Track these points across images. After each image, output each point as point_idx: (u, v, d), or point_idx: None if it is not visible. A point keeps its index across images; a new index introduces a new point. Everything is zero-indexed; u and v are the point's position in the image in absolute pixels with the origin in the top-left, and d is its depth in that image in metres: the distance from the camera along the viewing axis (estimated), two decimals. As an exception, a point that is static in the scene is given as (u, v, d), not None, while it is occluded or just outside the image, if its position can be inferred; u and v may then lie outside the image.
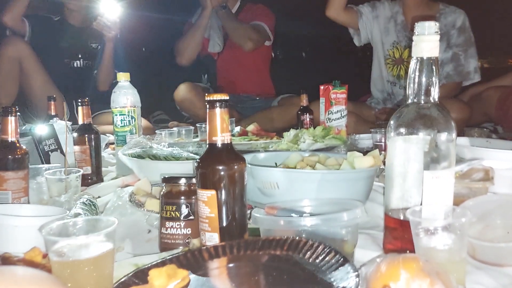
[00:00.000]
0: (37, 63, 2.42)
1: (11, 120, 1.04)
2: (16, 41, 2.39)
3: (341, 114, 1.62)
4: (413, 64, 0.75)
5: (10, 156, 1.04)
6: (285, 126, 2.14)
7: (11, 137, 1.04)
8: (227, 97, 0.74)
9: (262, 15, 2.74)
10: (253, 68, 2.79)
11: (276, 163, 1.10)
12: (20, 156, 1.05)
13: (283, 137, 1.54)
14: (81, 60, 2.60)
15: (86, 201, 0.99)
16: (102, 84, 2.62)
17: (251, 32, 2.61)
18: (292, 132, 1.50)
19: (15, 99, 2.40)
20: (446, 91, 2.23)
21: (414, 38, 0.74)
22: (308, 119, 1.91)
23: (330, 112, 1.62)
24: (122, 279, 0.61)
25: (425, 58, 0.73)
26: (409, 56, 2.36)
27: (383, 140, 1.50)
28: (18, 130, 1.07)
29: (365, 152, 1.06)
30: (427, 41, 0.72)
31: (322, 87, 1.67)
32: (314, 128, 1.54)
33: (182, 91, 2.58)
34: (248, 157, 0.98)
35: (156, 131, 1.89)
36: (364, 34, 2.41)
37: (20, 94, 2.45)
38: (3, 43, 2.37)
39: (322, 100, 1.67)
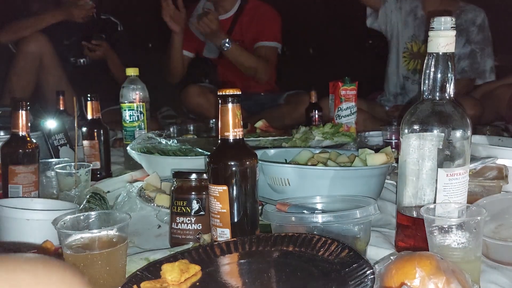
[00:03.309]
0: (56, 59, 2.41)
1: (22, 114, 1.04)
2: (38, 37, 2.36)
3: (350, 111, 1.60)
4: (428, 60, 0.73)
5: (21, 150, 1.04)
6: (294, 123, 2.11)
7: (22, 131, 1.05)
8: (239, 92, 0.73)
9: (270, 31, 2.49)
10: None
11: (286, 160, 1.10)
12: (31, 150, 1.05)
13: (291, 134, 1.53)
14: (87, 57, 2.57)
15: (96, 195, 0.99)
16: (118, 78, 2.54)
17: (261, 65, 2.40)
18: (302, 128, 1.49)
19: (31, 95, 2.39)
20: (459, 86, 2.21)
21: (430, 33, 0.73)
22: (317, 116, 1.90)
23: (339, 109, 1.61)
24: (135, 273, 0.60)
25: (441, 53, 0.72)
26: (426, 50, 2.32)
27: (393, 138, 1.49)
28: (29, 124, 1.07)
29: (375, 149, 1.05)
30: (443, 36, 0.71)
31: (331, 84, 1.66)
32: (323, 125, 1.53)
33: (190, 94, 2.48)
34: (257, 153, 0.98)
35: (164, 127, 1.88)
36: (381, 20, 2.37)
37: (35, 89, 2.44)
38: (26, 39, 2.34)
39: (331, 97, 1.66)
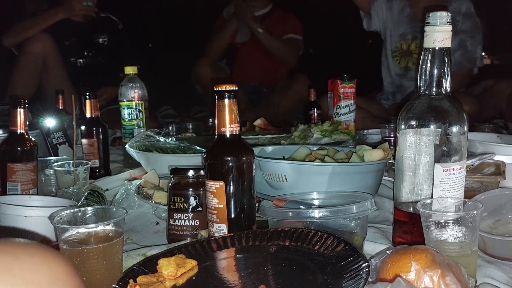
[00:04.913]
0: (59, 59, 2.42)
1: (20, 112, 1.04)
2: (43, 37, 2.36)
3: (349, 108, 1.60)
4: (424, 55, 0.73)
5: (19, 148, 1.04)
6: (291, 105, 2.20)
7: (20, 129, 1.05)
8: (235, 88, 0.73)
9: (295, 27, 2.79)
10: (272, 63, 2.81)
11: (284, 157, 1.10)
12: (29, 148, 1.06)
13: (290, 132, 1.53)
14: (87, 57, 2.57)
15: (94, 192, 0.99)
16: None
17: (288, 50, 2.71)
18: (300, 126, 1.49)
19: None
20: (458, 79, 2.17)
21: (426, 28, 0.73)
22: (316, 114, 1.90)
23: (338, 106, 1.61)
24: (131, 268, 0.61)
25: (437, 48, 0.72)
26: (417, 48, 2.31)
27: (392, 135, 1.49)
28: (27, 122, 1.07)
29: (374, 146, 1.05)
30: (439, 31, 0.71)
31: (330, 82, 1.66)
32: (322, 123, 1.53)
33: (202, 64, 2.69)
34: (255, 151, 0.98)
35: (163, 126, 1.89)
36: (375, 21, 2.37)
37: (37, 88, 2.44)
38: (30, 38, 2.34)
39: (330, 94, 1.66)
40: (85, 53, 2.55)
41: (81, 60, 2.55)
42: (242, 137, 0.77)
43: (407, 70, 2.33)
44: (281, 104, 2.43)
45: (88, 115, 1.37)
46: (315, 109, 1.92)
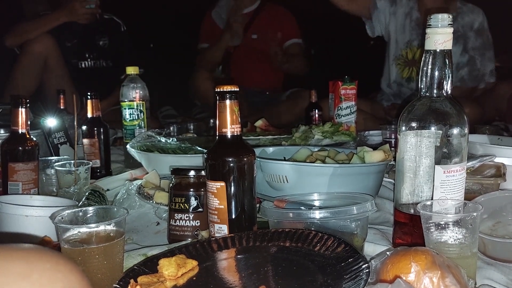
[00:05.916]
0: (61, 60, 2.42)
1: (22, 112, 1.05)
2: (44, 38, 2.37)
3: (350, 110, 1.61)
4: (425, 57, 0.74)
5: (20, 148, 1.05)
6: (293, 120, 2.18)
7: (21, 128, 1.05)
8: (237, 89, 0.74)
9: (294, 29, 2.77)
10: (269, 65, 2.81)
11: (284, 157, 1.10)
12: (30, 147, 1.06)
13: (291, 133, 1.54)
14: (89, 60, 2.57)
15: (95, 192, 0.99)
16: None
17: (301, 62, 2.75)
18: (301, 127, 1.50)
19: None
20: (458, 94, 2.15)
21: (427, 30, 0.73)
22: (317, 115, 1.91)
23: (339, 108, 1.61)
24: (132, 268, 0.61)
25: (438, 50, 0.72)
26: (421, 56, 2.28)
27: (393, 136, 1.49)
28: (29, 122, 1.08)
29: (374, 148, 1.05)
30: (440, 33, 0.72)
31: (331, 83, 1.66)
32: (323, 124, 1.54)
33: (200, 78, 2.67)
34: (256, 152, 0.98)
35: (164, 126, 1.89)
36: (378, 28, 2.32)
37: (37, 88, 2.44)
38: (32, 40, 2.35)
39: (331, 96, 1.66)
40: (87, 55, 2.55)
41: (82, 62, 2.55)
42: (243, 138, 0.77)
43: (410, 80, 2.30)
44: (283, 117, 2.41)
45: (89, 115, 1.37)
46: (316, 110, 1.92)
